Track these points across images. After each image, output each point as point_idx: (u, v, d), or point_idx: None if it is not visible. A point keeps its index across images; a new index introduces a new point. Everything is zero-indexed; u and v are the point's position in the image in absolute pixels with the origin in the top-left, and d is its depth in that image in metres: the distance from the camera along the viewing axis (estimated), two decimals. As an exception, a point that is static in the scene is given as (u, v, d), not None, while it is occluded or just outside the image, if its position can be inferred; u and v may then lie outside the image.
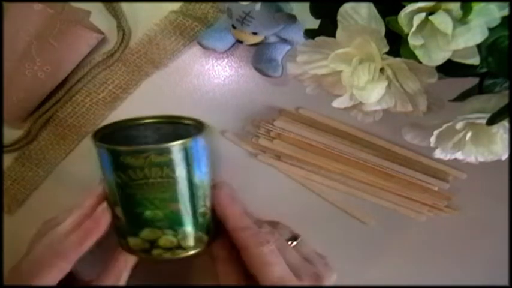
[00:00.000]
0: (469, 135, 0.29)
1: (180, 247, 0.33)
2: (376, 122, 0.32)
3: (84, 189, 0.35)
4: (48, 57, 0.39)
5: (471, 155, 0.31)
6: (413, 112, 0.29)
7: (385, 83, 0.27)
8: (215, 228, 0.35)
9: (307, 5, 0.30)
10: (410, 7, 0.23)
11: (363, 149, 0.44)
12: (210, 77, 0.43)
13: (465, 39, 0.23)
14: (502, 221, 0.46)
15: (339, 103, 0.29)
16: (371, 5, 0.25)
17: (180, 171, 0.31)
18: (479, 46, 0.23)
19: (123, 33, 0.40)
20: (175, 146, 0.31)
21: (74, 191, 0.39)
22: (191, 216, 0.33)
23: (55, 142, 0.42)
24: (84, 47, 0.40)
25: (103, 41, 0.40)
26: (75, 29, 0.39)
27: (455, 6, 0.23)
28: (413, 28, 0.23)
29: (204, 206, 0.34)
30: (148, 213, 0.32)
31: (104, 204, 0.33)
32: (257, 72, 0.40)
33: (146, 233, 0.32)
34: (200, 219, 0.33)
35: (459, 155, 0.31)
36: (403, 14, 0.23)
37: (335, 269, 0.36)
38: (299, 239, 0.36)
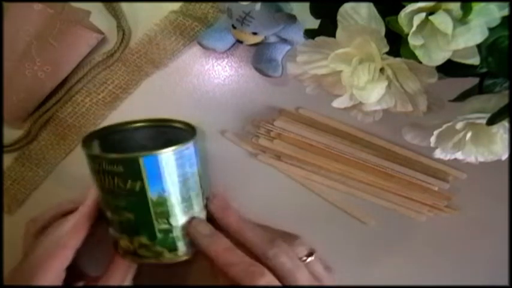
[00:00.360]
0: (469, 135, 0.29)
1: (135, 254, 0.33)
2: (376, 122, 0.32)
3: (84, 189, 0.35)
4: (48, 57, 0.39)
5: (471, 155, 0.31)
6: (413, 112, 0.29)
7: (385, 83, 0.27)
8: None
9: (307, 5, 0.30)
10: (410, 7, 0.23)
11: (363, 149, 0.44)
12: (210, 77, 0.43)
13: (465, 39, 0.23)
14: (502, 221, 0.46)
15: (339, 103, 0.29)
16: (371, 5, 0.25)
17: (131, 184, 0.31)
18: (479, 46, 0.23)
19: (123, 33, 0.40)
20: (125, 158, 0.31)
21: (74, 191, 0.39)
22: (146, 229, 0.32)
23: (55, 142, 0.42)
24: (84, 47, 0.40)
25: (103, 41, 0.40)
26: (75, 29, 0.39)
27: (455, 6, 0.23)
28: (413, 28, 0.23)
29: (166, 223, 0.33)
30: (108, 215, 0.34)
31: (93, 191, 0.34)
32: (257, 72, 0.40)
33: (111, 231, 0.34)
34: (159, 235, 0.33)
35: (459, 155, 0.31)
36: (403, 14, 0.23)
37: (334, 269, 0.36)
38: (314, 255, 0.35)
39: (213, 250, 0.32)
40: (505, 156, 0.30)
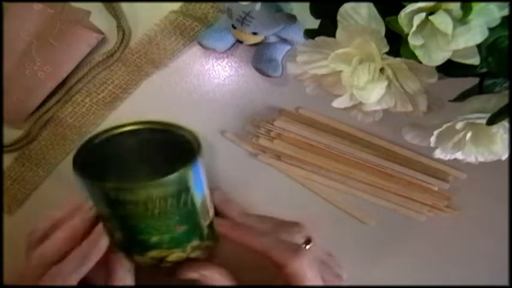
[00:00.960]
0: (469, 135, 0.29)
1: (189, 259, 0.32)
2: (376, 122, 0.32)
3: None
4: (48, 57, 0.39)
5: (471, 155, 0.31)
6: (413, 112, 0.29)
7: (385, 83, 0.27)
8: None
9: (307, 5, 0.30)
10: (410, 7, 0.23)
11: (363, 149, 0.44)
12: (210, 77, 0.43)
13: (465, 39, 0.23)
14: (502, 221, 0.46)
15: (339, 103, 0.29)
16: (371, 5, 0.25)
17: (184, 198, 0.30)
18: (479, 46, 0.23)
19: (123, 33, 0.40)
20: (176, 177, 0.29)
21: (74, 191, 0.39)
22: (197, 232, 0.32)
23: (55, 142, 0.42)
24: (84, 47, 0.40)
25: (103, 41, 0.40)
26: (75, 29, 0.39)
27: (455, 6, 0.23)
28: (413, 28, 0.23)
29: (208, 218, 0.33)
30: (154, 239, 0.31)
31: (100, 229, 0.31)
32: (257, 72, 0.40)
33: (154, 253, 0.31)
34: (206, 231, 0.33)
35: (459, 155, 0.31)
36: (403, 14, 0.23)
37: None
38: (312, 242, 0.35)
39: (247, 239, 0.32)
40: (505, 156, 0.30)
